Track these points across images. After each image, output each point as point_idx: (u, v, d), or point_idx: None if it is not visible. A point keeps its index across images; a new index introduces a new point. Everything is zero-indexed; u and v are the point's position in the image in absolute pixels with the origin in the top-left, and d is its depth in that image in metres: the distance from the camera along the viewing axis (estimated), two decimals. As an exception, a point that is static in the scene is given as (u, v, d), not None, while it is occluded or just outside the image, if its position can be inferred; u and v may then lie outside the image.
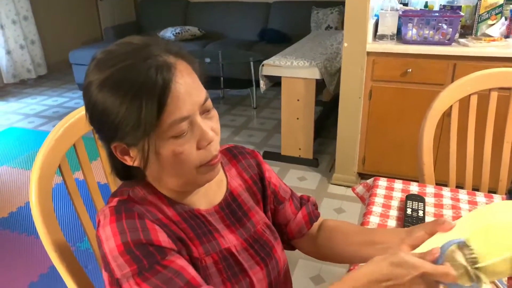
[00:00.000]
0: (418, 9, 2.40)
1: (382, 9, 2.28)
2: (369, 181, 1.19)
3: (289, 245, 0.90)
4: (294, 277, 1.71)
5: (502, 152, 1.26)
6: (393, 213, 1.03)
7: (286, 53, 2.94)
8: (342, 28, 2.26)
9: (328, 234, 0.85)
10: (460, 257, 0.54)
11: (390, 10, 2.25)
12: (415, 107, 2.25)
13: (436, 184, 1.21)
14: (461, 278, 0.54)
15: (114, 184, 0.93)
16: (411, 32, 2.20)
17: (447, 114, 1.26)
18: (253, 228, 0.77)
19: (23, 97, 4.57)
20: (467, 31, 2.29)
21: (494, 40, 2.11)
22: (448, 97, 1.23)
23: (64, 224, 2.26)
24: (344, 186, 2.58)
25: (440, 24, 2.15)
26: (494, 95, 1.24)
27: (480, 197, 1.09)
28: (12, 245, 2.13)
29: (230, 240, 0.73)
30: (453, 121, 1.26)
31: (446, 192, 1.11)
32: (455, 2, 2.31)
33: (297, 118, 2.80)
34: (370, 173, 2.45)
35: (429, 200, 1.07)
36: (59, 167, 0.87)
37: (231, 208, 0.76)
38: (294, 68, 2.67)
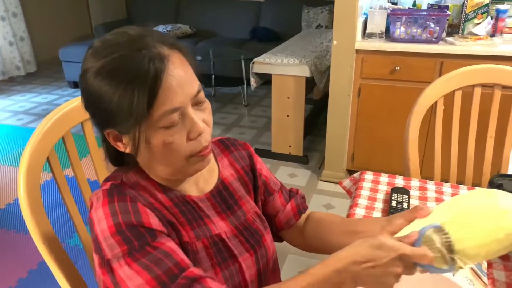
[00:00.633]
0: (407, 7, 2.43)
1: (371, 8, 2.30)
2: (356, 175, 1.21)
3: (277, 236, 0.92)
4: (283, 271, 1.72)
5: (486, 147, 1.28)
6: (379, 205, 1.05)
7: (277, 51, 2.96)
8: (332, 27, 2.28)
9: (314, 226, 0.87)
10: (436, 241, 0.56)
11: (379, 9, 2.28)
12: (403, 105, 2.27)
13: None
14: (437, 261, 0.57)
15: (107, 172, 0.93)
16: (399, 30, 2.23)
17: (434, 112, 1.28)
18: (244, 216, 0.79)
19: (12, 94, 4.53)
20: (454, 29, 2.32)
21: (480, 39, 2.15)
22: (433, 93, 1.25)
23: (54, 221, 2.25)
24: (333, 182, 2.61)
25: (427, 23, 2.18)
26: (477, 91, 1.27)
27: (463, 190, 1.12)
28: (0, 242, 2.12)
29: (220, 226, 0.75)
30: (438, 116, 1.28)
31: (430, 185, 1.14)
32: (443, 1, 2.35)
33: (287, 116, 2.82)
34: (359, 169, 2.44)
35: (414, 193, 1.10)
36: (48, 159, 0.88)
37: (222, 196, 0.78)
38: (284, 66, 2.69)
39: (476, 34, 2.23)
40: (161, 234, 0.64)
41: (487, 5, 2.22)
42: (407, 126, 1.26)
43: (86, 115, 0.68)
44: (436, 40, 2.19)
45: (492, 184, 0.92)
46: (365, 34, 2.35)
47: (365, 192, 1.10)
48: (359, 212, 1.03)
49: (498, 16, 2.20)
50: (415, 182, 1.15)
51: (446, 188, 1.13)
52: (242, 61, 3.84)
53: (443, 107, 1.25)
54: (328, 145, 2.57)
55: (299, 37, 3.62)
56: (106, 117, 0.63)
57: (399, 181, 1.15)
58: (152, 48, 0.61)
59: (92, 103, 0.64)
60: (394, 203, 1.02)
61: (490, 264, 0.85)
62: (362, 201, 1.06)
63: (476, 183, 1.29)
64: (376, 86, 2.32)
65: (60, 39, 5.31)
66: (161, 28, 4.91)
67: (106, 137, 0.67)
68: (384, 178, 1.17)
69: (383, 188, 1.12)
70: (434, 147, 1.30)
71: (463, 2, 2.25)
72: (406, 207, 1.01)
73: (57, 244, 0.86)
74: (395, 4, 2.51)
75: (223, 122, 3.68)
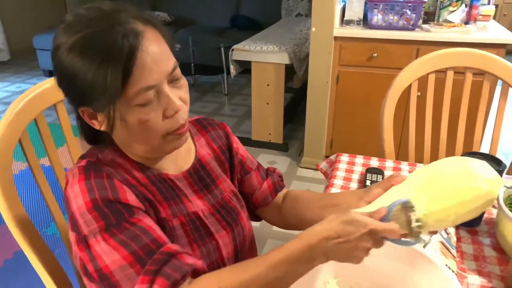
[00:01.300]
0: (384, -5, 2.45)
1: (349, -5, 2.31)
2: (332, 157, 1.23)
3: (254, 215, 0.93)
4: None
5: (458, 129, 1.32)
6: (353, 185, 1.07)
7: (256, 38, 2.95)
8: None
9: (291, 203, 0.89)
10: (404, 216, 0.59)
11: (357, -4, 2.29)
12: (381, 91, 2.28)
13: (396, 159, 1.26)
14: (406, 235, 0.59)
15: (83, 150, 0.92)
16: (377, 17, 2.25)
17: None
18: (220, 195, 0.80)
19: (-16, 83, 4.39)
20: (430, 17, 2.36)
21: (454, 26, 2.19)
22: (407, 75, 1.28)
23: (30, 211, 2.21)
24: (313, 169, 2.64)
25: (404, 10, 2.21)
26: (450, 74, 1.30)
27: (435, 170, 1.15)
28: (-26, 232, 2.07)
29: (197, 204, 0.75)
30: (412, 99, 1.31)
31: (404, 166, 1.17)
32: (419, -11, 2.38)
33: (267, 103, 2.82)
34: (337, 156, 2.50)
35: (388, 173, 1.12)
36: (20, 142, 0.86)
37: (199, 175, 0.78)
38: (263, 53, 2.68)
39: (451, 22, 2.27)
40: (138, 211, 0.64)
41: (461, -7, 2.26)
42: (382, 108, 1.29)
43: (60, 96, 0.67)
44: (413, 27, 2.22)
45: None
46: (343, 21, 2.37)
47: (340, 173, 1.12)
48: (335, 192, 1.04)
49: (472, 4, 2.25)
50: (389, 163, 1.17)
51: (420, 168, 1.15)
52: (222, 49, 3.81)
53: (419, 94, 1.28)
54: (307, 131, 2.60)
55: (278, 25, 3.62)
56: (80, 95, 0.62)
57: (374, 162, 1.18)
58: (126, 24, 0.60)
59: (65, 81, 0.63)
60: (368, 183, 1.04)
61: (459, 238, 0.88)
62: (338, 182, 1.08)
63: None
64: (354, 73, 2.34)
65: (34, 27, 5.15)
66: (139, 15, 4.82)
67: (81, 115, 0.66)
68: (359, 159, 1.19)
69: (358, 169, 1.14)
70: (409, 128, 1.32)
71: (439, -10, 2.28)
72: (380, 186, 1.04)
73: (31, 228, 0.85)
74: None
75: (203, 111, 3.66)
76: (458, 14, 2.28)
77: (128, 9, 0.63)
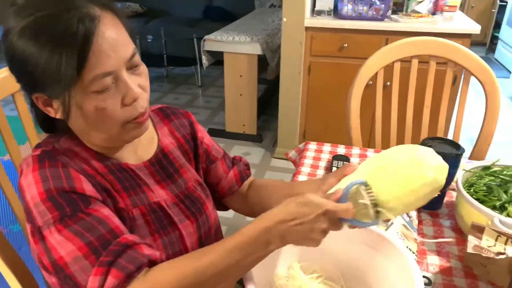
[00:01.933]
0: (354, -14, 2.47)
1: (319, -15, 2.32)
2: (301, 145, 1.24)
3: (220, 204, 0.93)
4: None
5: (422, 116, 1.35)
6: (320, 172, 1.08)
7: (228, 28, 2.93)
8: (282, 4, 2.28)
9: (256, 191, 0.89)
10: (360, 196, 0.59)
11: (327, -14, 2.30)
12: (351, 81, 2.33)
13: (363, 147, 1.28)
14: (363, 215, 0.59)
15: (39, 139, 0.89)
16: (347, 7, 2.27)
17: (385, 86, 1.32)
18: (184, 185, 0.79)
19: None
20: (399, 7, 2.40)
21: (422, 16, 2.24)
22: (373, 64, 1.29)
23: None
24: (286, 159, 2.65)
25: (373, 0, 2.24)
26: (415, 63, 1.32)
27: (400, 156, 1.17)
28: None
29: (160, 194, 0.74)
30: (378, 87, 1.33)
31: (370, 153, 1.19)
32: (388, -20, 2.41)
33: (241, 95, 2.82)
34: (310, 146, 2.53)
35: (354, 160, 1.14)
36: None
37: (162, 165, 0.77)
38: (235, 44, 2.67)
39: (418, 12, 2.31)
40: (94, 201, 0.63)
41: (428, -17, 2.30)
42: (349, 96, 1.30)
43: (17, 86, 0.64)
44: (382, 18, 2.25)
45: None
46: (314, 12, 2.38)
47: (308, 161, 1.13)
48: (302, 179, 1.05)
49: (438, -6, 2.29)
50: (355, 150, 1.19)
51: (385, 155, 1.18)
52: (195, 40, 3.77)
53: (388, 83, 1.30)
54: (281, 122, 2.61)
55: (251, 15, 3.60)
56: (33, 81, 0.60)
57: (341, 150, 1.19)
58: (82, 8, 0.57)
59: (16, 66, 0.61)
60: (334, 170, 1.05)
61: (420, 221, 0.91)
62: (305, 169, 1.09)
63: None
64: (326, 64, 2.36)
65: None
66: (109, 6, 4.70)
67: (35, 102, 0.64)
68: (327, 147, 1.20)
69: (325, 156, 1.15)
70: (375, 116, 1.34)
71: (407, -19, 2.32)
72: (346, 173, 1.05)
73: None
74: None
75: (176, 103, 3.62)
76: (425, 4, 2.32)
77: None
